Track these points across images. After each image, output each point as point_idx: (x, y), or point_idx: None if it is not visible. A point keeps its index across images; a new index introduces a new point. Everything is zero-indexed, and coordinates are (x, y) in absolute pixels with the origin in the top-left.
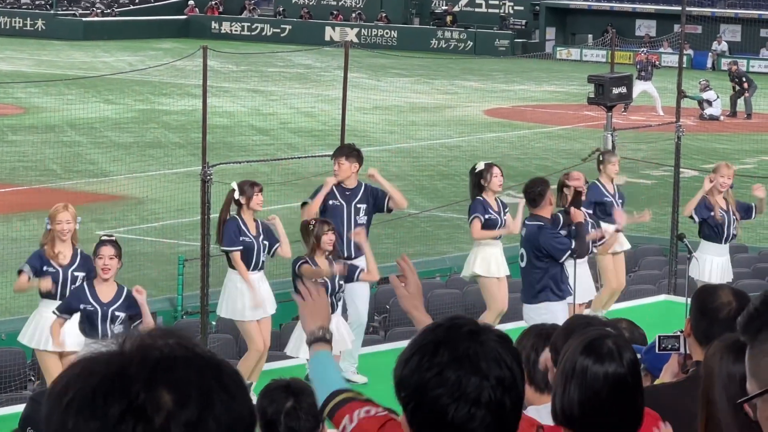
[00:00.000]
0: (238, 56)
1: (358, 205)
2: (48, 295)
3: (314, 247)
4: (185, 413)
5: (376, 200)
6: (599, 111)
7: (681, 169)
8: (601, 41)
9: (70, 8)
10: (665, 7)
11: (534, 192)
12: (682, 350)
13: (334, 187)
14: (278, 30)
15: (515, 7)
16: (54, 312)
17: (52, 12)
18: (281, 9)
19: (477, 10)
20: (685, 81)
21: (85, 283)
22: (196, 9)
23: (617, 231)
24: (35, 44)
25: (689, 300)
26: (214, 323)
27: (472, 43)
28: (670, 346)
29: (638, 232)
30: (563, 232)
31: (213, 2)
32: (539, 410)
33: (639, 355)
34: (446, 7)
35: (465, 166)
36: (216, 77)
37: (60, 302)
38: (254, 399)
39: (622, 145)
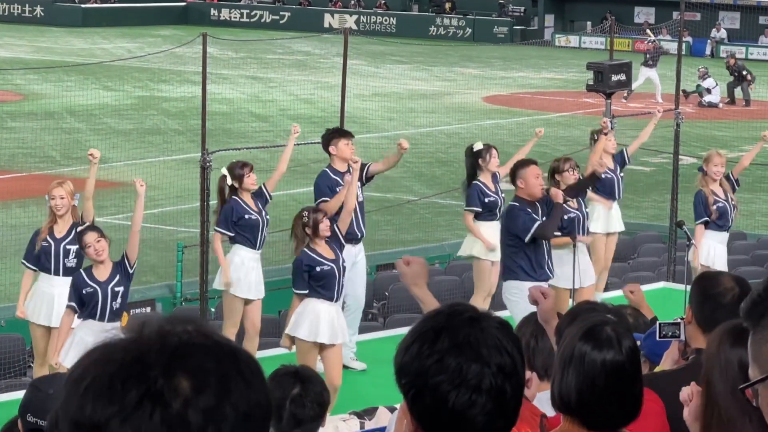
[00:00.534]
0: (237, 43)
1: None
2: (45, 269)
3: (312, 236)
4: (203, 399)
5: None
6: (598, 98)
7: (680, 156)
8: (600, 28)
9: None
10: None
11: (510, 172)
12: (682, 337)
13: (333, 173)
14: (277, 17)
15: None
16: (69, 305)
17: None
18: None
19: None
20: (684, 68)
21: (81, 270)
22: None
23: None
24: (34, 31)
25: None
26: (213, 310)
27: (470, 30)
28: (670, 333)
29: (637, 219)
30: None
31: None
32: (539, 398)
33: (638, 342)
34: None
35: (464, 153)
36: (215, 64)
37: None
38: None
39: (621, 132)
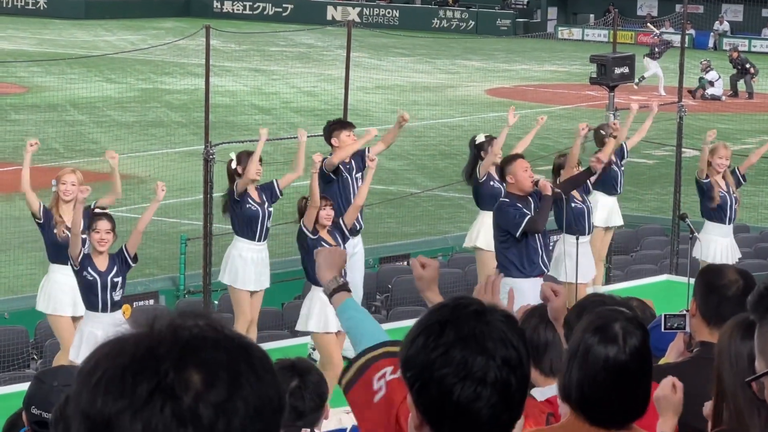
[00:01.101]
0: (240, 35)
1: (356, 175)
2: (57, 260)
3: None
4: (214, 394)
5: (363, 165)
6: (601, 91)
7: (683, 149)
8: (603, 21)
9: None
10: None
11: (499, 169)
12: (687, 329)
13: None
14: (280, 9)
15: None
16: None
17: None
18: None
19: None
20: (687, 61)
21: (83, 253)
22: None
23: None
24: (37, 23)
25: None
26: (216, 302)
27: (473, 23)
28: (675, 325)
29: (640, 212)
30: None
31: None
32: (543, 392)
33: None
34: None
35: (467, 146)
36: (218, 56)
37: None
38: None
39: (624, 125)
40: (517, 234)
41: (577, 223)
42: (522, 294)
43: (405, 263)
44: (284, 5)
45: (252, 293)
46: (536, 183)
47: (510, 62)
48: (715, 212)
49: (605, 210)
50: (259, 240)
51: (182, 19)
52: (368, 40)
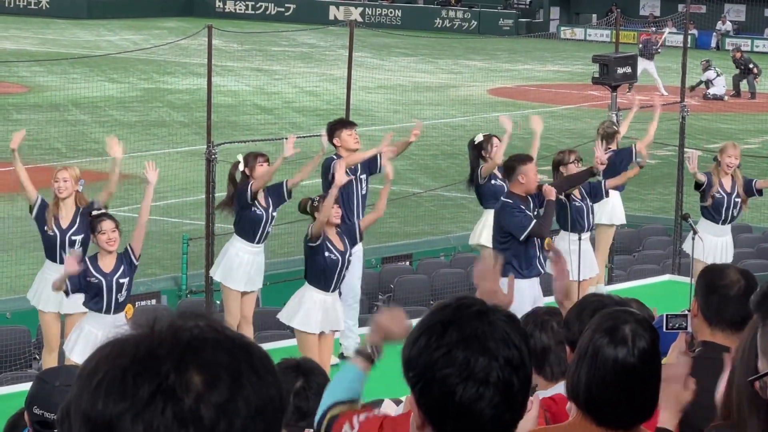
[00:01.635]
0: (242, 35)
1: (360, 176)
2: (51, 258)
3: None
4: (215, 395)
5: (371, 166)
6: (604, 90)
7: (685, 149)
8: (606, 21)
9: None
10: None
11: (506, 166)
12: (689, 329)
13: (340, 164)
14: (282, 9)
15: None
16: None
17: None
18: None
19: None
20: (689, 61)
21: (87, 258)
22: None
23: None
24: (39, 23)
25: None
26: (218, 302)
27: (476, 23)
28: (677, 325)
29: (642, 212)
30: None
31: None
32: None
33: None
34: None
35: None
36: (220, 56)
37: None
38: None
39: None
40: (522, 237)
41: (578, 221)
42: (520, 294)
43: (407, 263)
44: (287, 5)
45: (243, 294)
46: (539, 188)
47: (512, 62)
48: (708, 211)
49: (611, 206)
50: (257, 242)
51: (184, 18)
52: (370, 40)
